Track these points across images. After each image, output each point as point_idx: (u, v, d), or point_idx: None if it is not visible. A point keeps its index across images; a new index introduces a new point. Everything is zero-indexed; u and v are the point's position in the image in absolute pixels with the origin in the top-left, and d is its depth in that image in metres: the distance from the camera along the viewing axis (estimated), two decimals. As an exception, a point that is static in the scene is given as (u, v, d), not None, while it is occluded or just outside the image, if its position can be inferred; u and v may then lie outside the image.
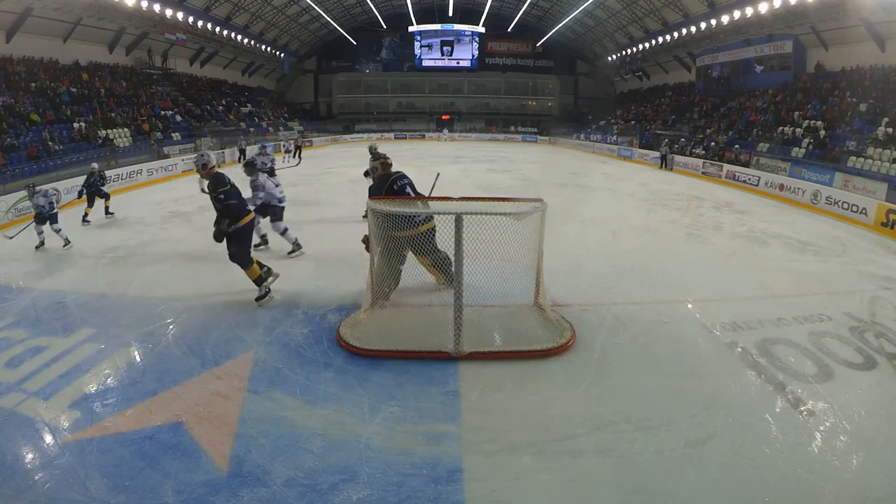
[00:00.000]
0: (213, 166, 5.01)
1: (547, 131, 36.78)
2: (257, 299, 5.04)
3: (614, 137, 27.68)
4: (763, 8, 18.09)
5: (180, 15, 21.52)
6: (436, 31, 37.76)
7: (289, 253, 5.40)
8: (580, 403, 3.51)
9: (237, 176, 5.66)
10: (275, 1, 27.36)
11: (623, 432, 3.18)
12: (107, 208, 9.67)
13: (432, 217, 4.85)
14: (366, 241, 4.86)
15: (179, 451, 2.97)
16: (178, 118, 21.82)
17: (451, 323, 4.06)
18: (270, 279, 5.17)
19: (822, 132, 15.68)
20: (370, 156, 6.48)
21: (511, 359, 4.03)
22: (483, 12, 34.48)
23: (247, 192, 5.40)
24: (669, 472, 2.86)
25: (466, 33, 37.95)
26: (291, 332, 4.51)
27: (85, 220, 9.21)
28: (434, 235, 4.83)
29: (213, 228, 4.93)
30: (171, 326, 4.64)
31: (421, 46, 38.78)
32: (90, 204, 9.42)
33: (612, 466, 2.91)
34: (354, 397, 3.52)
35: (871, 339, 4.51)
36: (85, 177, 9.72)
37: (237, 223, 4.91)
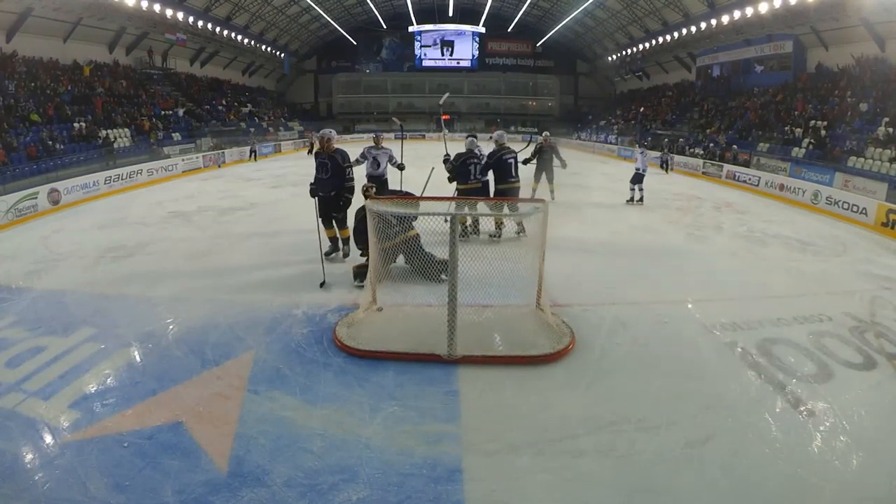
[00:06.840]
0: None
1: (547, 131, 36.67)
2: None
3: (614, 137, 27.65)
4: (763, 8, 18.09)
5: (180, 15, 21.54)
6: (436, 31, 37.74)
7: None
8: (580, 403, 3.51)
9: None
10: (275, 1, 27.35)
11: (623, 432, 3.18)
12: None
13: (412, 227, 5.02)
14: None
15: (179, 451, 2.97)
16: (180, 116, 21.82)
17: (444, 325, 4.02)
18: None
19: (823, 132, 15.67)
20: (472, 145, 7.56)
21: (506, 364, 3.99)
22: (483, 12, 34.44)
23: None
24: (669, 472, 2.86)
25: (466, 33, 37.93)
26: (291, 331, 4.50)
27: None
28: (417, 243, 5.05)
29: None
30: (170, 326, 4.63)
31: (421, 46, 38.75)
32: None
33: (612, 466, 2.91)
34: (354, 397, 3.52)
35: (871, 339, 4.51)
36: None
37: None
